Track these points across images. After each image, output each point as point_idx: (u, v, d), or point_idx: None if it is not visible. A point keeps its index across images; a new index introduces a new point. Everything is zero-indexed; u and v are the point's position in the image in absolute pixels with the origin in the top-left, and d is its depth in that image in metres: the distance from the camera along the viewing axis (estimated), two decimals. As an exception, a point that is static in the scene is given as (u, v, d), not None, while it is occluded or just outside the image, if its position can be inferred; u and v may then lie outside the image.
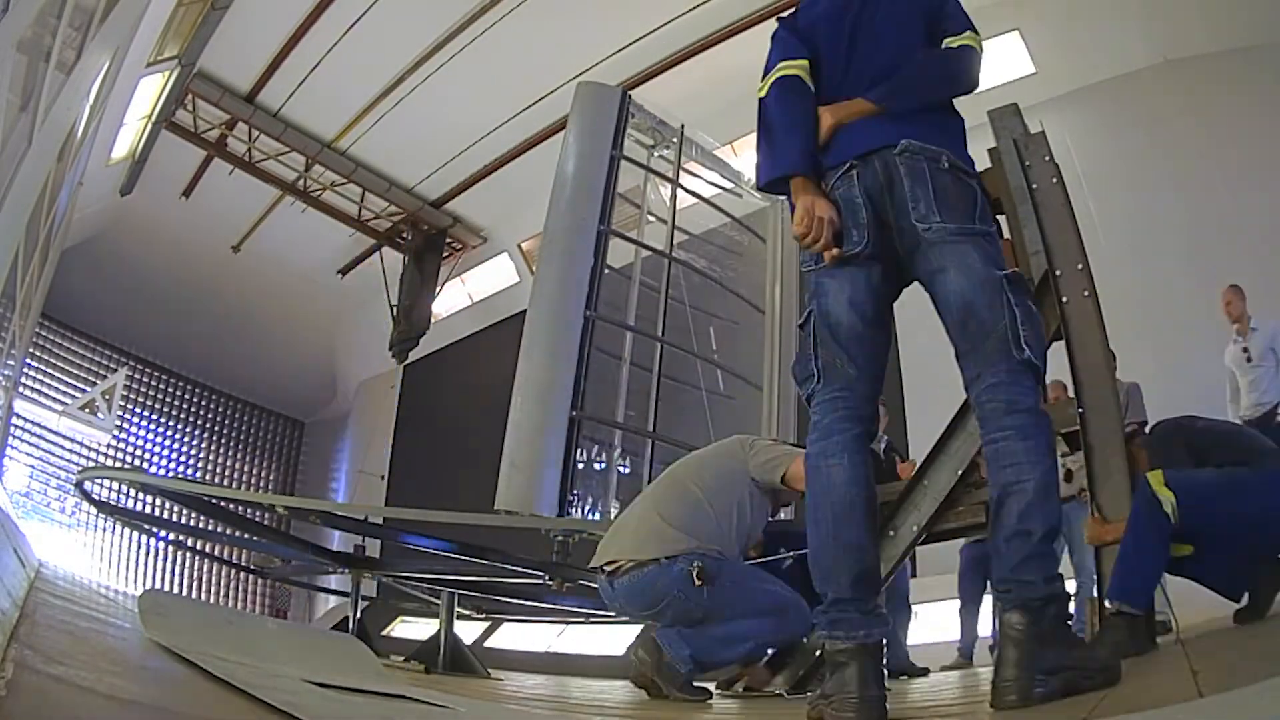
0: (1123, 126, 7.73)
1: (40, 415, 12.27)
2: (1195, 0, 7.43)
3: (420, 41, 9.45)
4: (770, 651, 2.96)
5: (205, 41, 9.16)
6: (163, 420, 14.85)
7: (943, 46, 1.87)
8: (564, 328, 5.24)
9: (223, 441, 15.65)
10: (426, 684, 3.20)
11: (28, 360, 11.44)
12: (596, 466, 5.66)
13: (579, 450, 5.08)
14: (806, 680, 2.88)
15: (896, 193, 1.70)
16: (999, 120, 3.35)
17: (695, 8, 8.91)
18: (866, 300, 1.73)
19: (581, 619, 6.79)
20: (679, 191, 6.49)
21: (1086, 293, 2.88)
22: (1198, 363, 5.28)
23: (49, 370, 13.03)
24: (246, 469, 15.91)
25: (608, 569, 2.85)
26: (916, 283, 1.77)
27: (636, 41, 9.26)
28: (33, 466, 12.19)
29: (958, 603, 4.99)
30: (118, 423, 13.11)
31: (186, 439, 15.13)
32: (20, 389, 11.14)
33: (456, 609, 5.09)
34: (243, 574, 13.71)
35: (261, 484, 15.84)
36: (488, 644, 7.93)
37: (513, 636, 8.82)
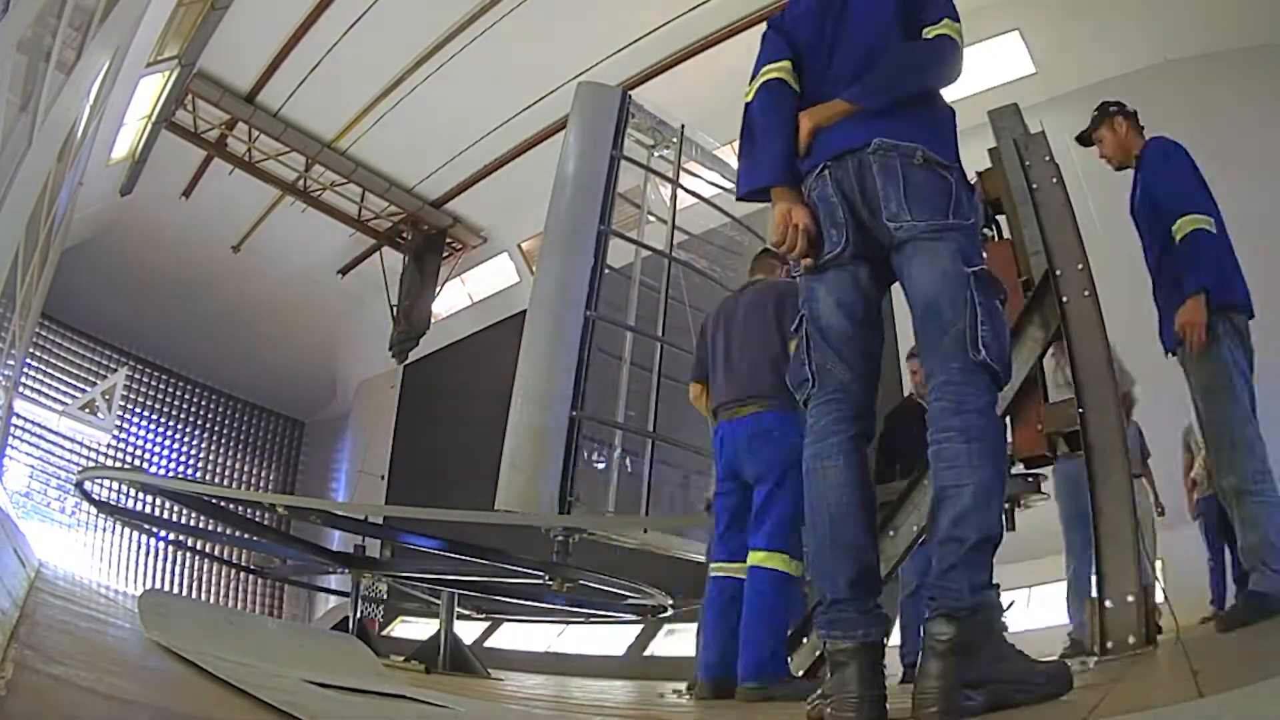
0: (1122, 126, 7.71)
1: (40, 415, 12.26)
2: (1195, 0, 7.43)
3: (420, 41, 9.45)
4: None
5: (205, 41, 9.16)
6: (163, 420, 14.85)
7: (921, 37, 1.82)
8: (564, 328, 5.24)
9: (223, 441, 15.65)
10: (426, 684, 3.20)
11: (28, 360, 11.44)
12: (598, 466, 5.66)
13: (579, 451, 5.08)
14: (811, 673, 2.88)
15: (869, 191, 1.69)
16: (999, 120, 3.35)
17: (695, 8, 8.90)
18: (855, 301, 1.72)
19: (582, 619, 6.79)
20: (679, 191, 6.47)
21: (1087, 292, 2.89)
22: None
23: (49, 370, 13.03)
24: (246, 469, 15.92)
25: None
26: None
27: (636, 41, 9.26)
28: (33, 466, 12.19)
29: None
30: (118, 423, 13.12)
31: (186, 439, 15.13)
32: (20, 389, 11.14)
33: (456, 609, 5.09)
34: (243, 574, 13.72)
35: (261, 484, 15.84)
36: (488, 644, 7.94)
37: (513, 636, 8.83)
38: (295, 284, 13.58)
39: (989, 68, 8.69)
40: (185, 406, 15.16)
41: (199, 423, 15.31)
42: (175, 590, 13.45)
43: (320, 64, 9.79)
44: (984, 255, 1.76)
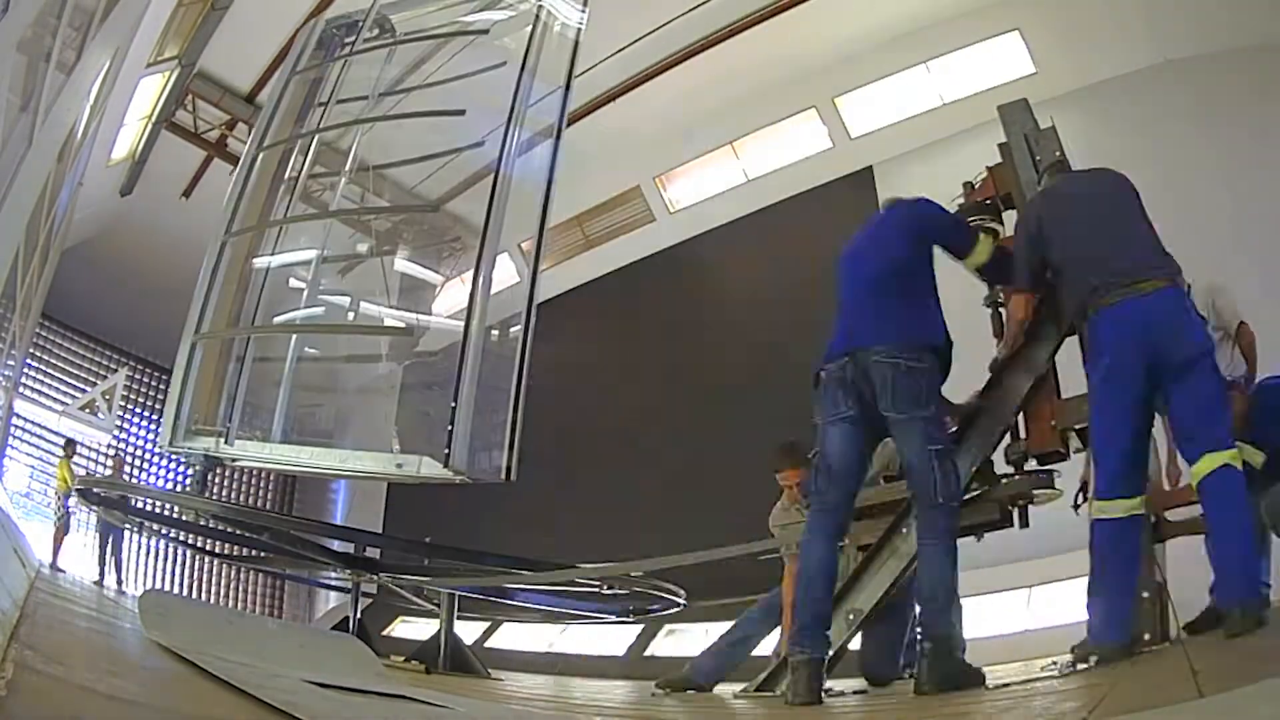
0: (1123, 126, 7.73)
1: (40, 415, 12.26)
2: (1195, 0, 7.43)
3: (419, 43, 9.43)
4: None
5: (205, 41, 9.16)
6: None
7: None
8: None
9: (223, 441, 15.62)
10: (426, 684, 3.20)
11: (28, 360, 11.44)
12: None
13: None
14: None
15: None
16: (1009, 115, 3.34)
17: (695, 8, 8.91)
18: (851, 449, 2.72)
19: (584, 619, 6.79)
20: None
21: None
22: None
23: (49, 370, 13.03)
24: (246, 469, 15.89)
25: None
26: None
27: (636, 41, 9.26)
28: (33, 466, 12.18)
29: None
30: (117, 423, 13.11)
31: (186, 439, 15.10)
32: (20, 389, 11.14)
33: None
34: (243, 574, 13.72)
35: (261, 484, 15.82)
36: (488, 644, 7.94)
37: (513, 636, 8.83)
38: (295, 284, 13.56)
39: (989, 68, 8.70)
40: (185, 406, 15.13)
41: (199, 423, 15.29)
42: (175, 590, 13.45)
43: (320, 64, 9.78)
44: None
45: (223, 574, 14.07)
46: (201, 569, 14.07)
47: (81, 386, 13.12)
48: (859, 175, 9.64)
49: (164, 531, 8.19)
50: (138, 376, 14.37)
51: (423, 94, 6.58)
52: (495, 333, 4.99)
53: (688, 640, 7.47)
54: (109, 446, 13.10)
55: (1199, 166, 7.20)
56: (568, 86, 5.51)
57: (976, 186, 3.46)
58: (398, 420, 6.13)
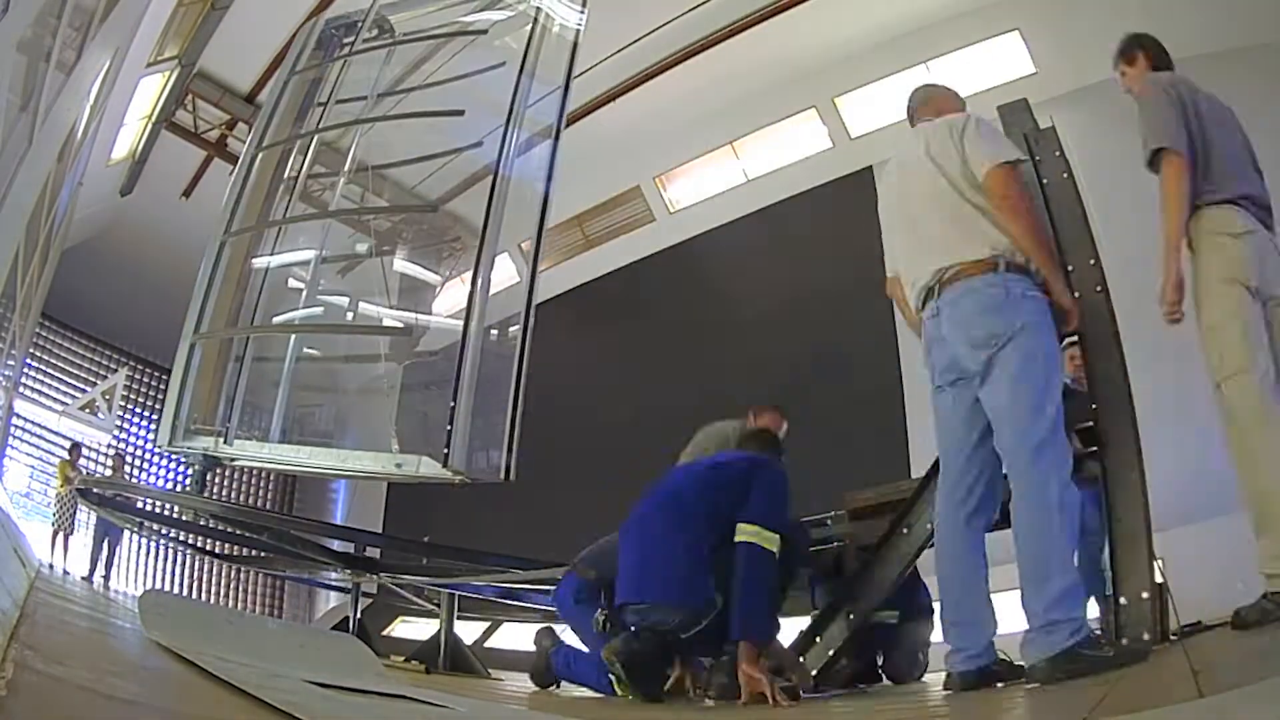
0: (1123, 126, 7.69)
1: (40, 415, 12.26)
2: (1195, 0, 7.43)
3: (418, 44, 9.44)
4: None
5: (205, 41, 9.16)
6: (163, 420, 14.83)
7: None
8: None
9: (223, 441, 15.62)
10: (426, 684, 3.20)
11: (28, 360, 11.44)
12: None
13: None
14: (820, 677, 2.89)
15: None
16: (1009, 115, 3.33)
17: (695, 8, 8.91)
18: None
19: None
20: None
21: (1099, 288, 2.86)
22: (1198, 363, 5.26)
23: (49, 370, 13.02)
24: (246, 469, 15.90)
25: None
26: None
27: (636, 41, 9.26)
28: (33, 467, 12.18)
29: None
30: (118, 423, 13.11)
31: (186, 439, 15.11)
32: (20, 389, 11.14)
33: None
34: (243, 574, 13.72)
35: (261, 484, 15.82)
36: (488, 644, 7.93)
37: (513, 636, 8.82)
38: (295, 284, 13.57)
39: (989, 68, 8.70)
40: (185, 406, 15.14)
41: (199, 423, 15.29)
42: (175, 590, 13.46)
43: (320, 64, 9.79)
44: None
45: (223, 574, 14.06)
46: (201, 569, 14.07)
47: (81, 386, 13.12)
48: (859, 175, 9.64)
49: (163, 531, 8.18)
50: (138, 376, 14.37)
51: (422, 94, 6.59)
52: (494, 333, 5.00)
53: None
54: (109, 446, 13.11)
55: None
56: (566, 86, 5.51)
57: (976, 187, 3.46)
58: (397, 420, 6.14)
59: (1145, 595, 2.47)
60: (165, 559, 13.82)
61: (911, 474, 5.61)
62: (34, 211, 5.30)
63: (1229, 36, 7.30)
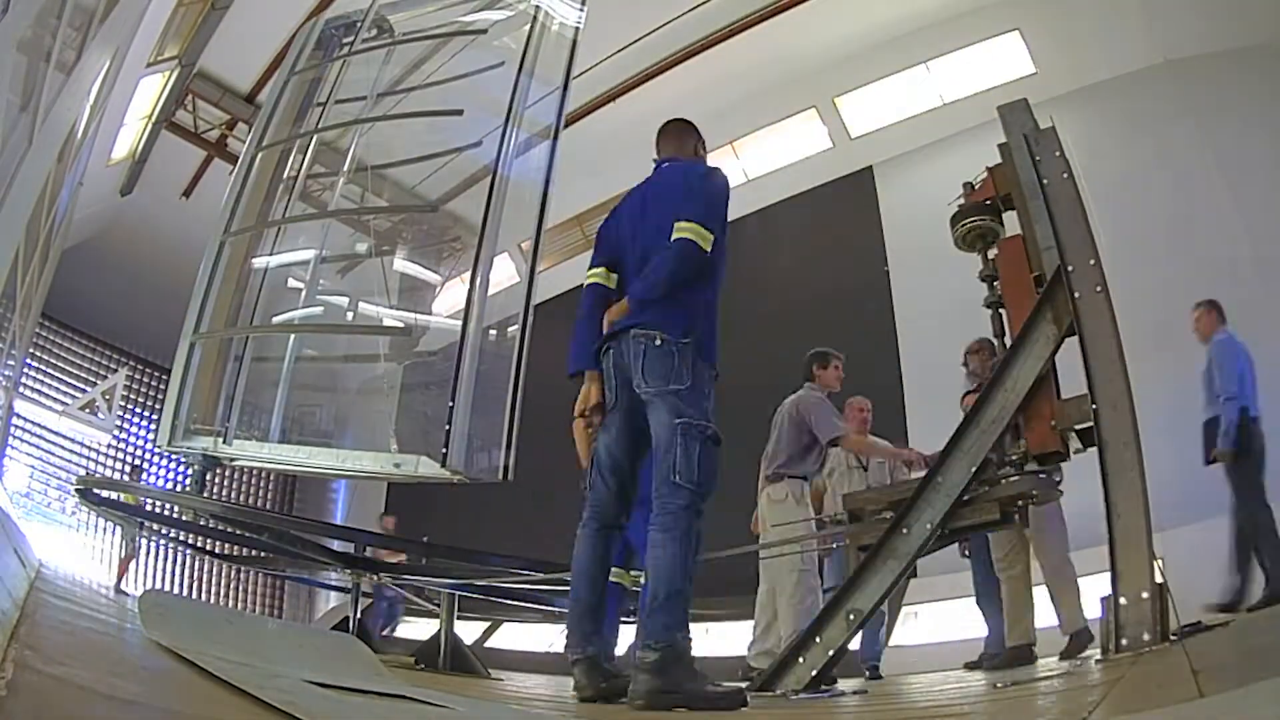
0: (1123, 126, 7.73)
1: (40, 415, 12.26)
2: (1195, 0, 7.44)
3: (417, 44, 9.44)
4: None
5: (205, 41, 9.16)
6: (163, 420, 14.82)
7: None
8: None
9: (223, 441, 15.61)
10: (426, 684, 3.19)
11: (28, 360, 11.44)
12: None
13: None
14: (819, 680, 2.88)
15: (631, 363, 2.42)
16: (1009, 115, 3.33)
17: (695, 8, 8.91)
18: (622, 439, 2.50)
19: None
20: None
21: (1099, 288, 2.87)
22: (1197, 363, 5.27)
23: (49, 370, 13.02)
24: (246, 469, 15.90)
25: None
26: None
27: (637, 41, 9.26)
28: (33, 466, 12.18)
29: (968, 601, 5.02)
30: (118, 423, 13.11)
31: (186, 439, 15.09)
32: (20, 389, 11.14)
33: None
34: (243, 574, 13.72)
35: (261, 484, 15.83)
36: (488, 644, 7.92)
37: (513, 636, 8.81)
38: (295, 283, 13.56)
39: (989, 68, 8.70)
40: (185, 406, 15.12)
41: (199, 423, 15.28)
42: (175, 590, 13.45)
43: (320, 64, 9.78)
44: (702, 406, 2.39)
45: (223, 574, 14.06)
46: (201, 569, 14.07)
47: (81, 386, 13.12)
48: (859, 175, 9.65)
49: (163, 531, 8.18)
50: (137, 376, 14.37)
51: (421, 94, 6.59)
52: (493, 332, 5.00)
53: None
54: (109, 446, 13.11)
55: (1198, 166, 7.21)
56: (566, 86, 5.51)
57: (976, 187, 3.47)
58: (396, 420, 6.14)
59: (1145, 595, 2.47)
60: (165, 559, 13.81)
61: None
62: (34, 211, 5.30)
63: (1229, 36, 7.30)
